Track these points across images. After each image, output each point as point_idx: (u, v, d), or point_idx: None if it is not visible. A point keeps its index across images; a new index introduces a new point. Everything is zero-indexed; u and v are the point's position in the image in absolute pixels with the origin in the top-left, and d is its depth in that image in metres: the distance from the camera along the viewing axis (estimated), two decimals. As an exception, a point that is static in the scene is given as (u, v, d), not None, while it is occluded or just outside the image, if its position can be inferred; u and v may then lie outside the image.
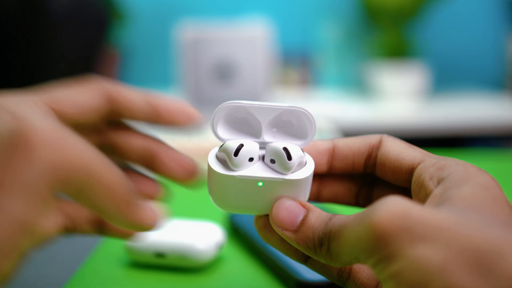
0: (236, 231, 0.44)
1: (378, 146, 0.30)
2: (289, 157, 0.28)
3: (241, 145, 0.28)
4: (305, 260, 0.30)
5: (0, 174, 0.19)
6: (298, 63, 1.79)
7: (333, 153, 0.31)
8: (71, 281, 0.37)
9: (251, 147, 0.29)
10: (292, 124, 0.31)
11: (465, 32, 1.84)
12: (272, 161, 0.29)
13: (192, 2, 1.80)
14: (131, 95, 0.29)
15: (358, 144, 0.31)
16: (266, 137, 0.30)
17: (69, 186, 0.22)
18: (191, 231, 0.39)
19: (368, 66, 1.69)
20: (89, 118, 0.28)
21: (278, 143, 0.29)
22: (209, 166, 0.29)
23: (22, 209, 0.19)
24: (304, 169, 0.29)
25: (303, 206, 0.28)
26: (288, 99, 1.70)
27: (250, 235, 0.42)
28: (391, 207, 0.23)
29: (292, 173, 0.28)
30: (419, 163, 0.28)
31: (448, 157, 0.28)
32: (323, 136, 0.66)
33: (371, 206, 0.24)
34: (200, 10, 1.80)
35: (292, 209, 0.28)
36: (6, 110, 0.21)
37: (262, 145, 0.30)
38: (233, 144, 0.28)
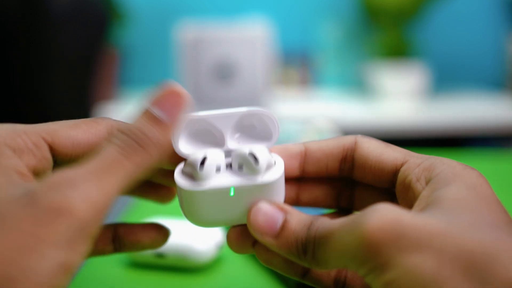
0: (236, 231, 0.44)
1: (353, 148, 0.29)
2: (256, 161, 0.27)
3: (205, 157, 0.27)
4: (302, 276, 0.29)
5: (43, 231, 0.22)
6: (298, 63, 1.79)
7: (305, 157, 0.30)
8: (71, 281, 0.37)
9: (215, 157, 0.28)
10: (254, 127, 0.30)
11: (465, 32, 1.84)
12: (240, 167, 0.28)
13: (192, 2, 1.80)
14: None
15: (331, 147, 0.29)
16: (230, 145, 0.29)
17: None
18: (191, 232, 0.39)
19: (368, 66, 1.69)
20: (87, 155, 0.27)
21: (243, 148, 0.28)
22: (177, 185, 0.28)
23: (64, 255, 0.22)
24: (274, 170, 0.28)
25: (281, 209, 0.27)
26: (288, 99, 1.70)
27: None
28: (382, 216, 0.22)
29: (262, 176, 0.27)
30: (402, 164, 0.27)
31: (433, 156, 0.27)
32: (324, 136, 0.66)
33: (359, 214, 0.23)
34: (200, 10, 1.80)
35: (270, 213, 0.27)
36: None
37: (228, 153, 0.29)
38: (197, 157, 0.27)
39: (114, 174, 0.23)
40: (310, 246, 0.25)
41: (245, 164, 0.27)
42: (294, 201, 0.31)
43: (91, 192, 0.22)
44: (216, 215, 0.28)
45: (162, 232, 0.29)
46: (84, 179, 0.22)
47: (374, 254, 0.22)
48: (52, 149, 0.27)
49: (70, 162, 0.27)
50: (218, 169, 0.28)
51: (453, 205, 0.23)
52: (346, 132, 1.44)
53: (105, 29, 1.25)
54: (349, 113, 1.47)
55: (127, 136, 0.24)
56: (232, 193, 0.27)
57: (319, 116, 1.44)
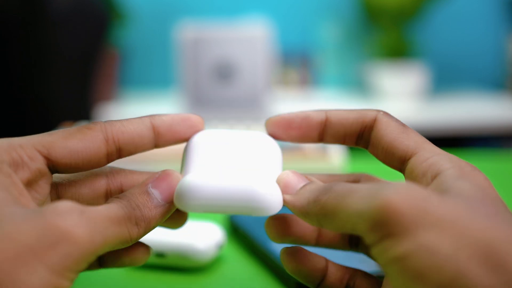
0: (236, 231, 0.44)
1: (372, 126, 0.30)
2: None
3: None
4: (317, 286, 0.30)
5: (42, 249, 0.22)
6: (298, 63, 1.79)
7: (324, 127, 0.31)
8: (71, 281, 0.37)
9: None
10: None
11: (465, 32, 1.84)
12: None
13: (192, 2, 1.80)
14: (132, 128, 0.29)
15: (351, 121, 0.30)
16: None
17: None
18: (191, 231, 0.39)
19: (368, 66, 1.69)
20: (88, 164, 0.28)
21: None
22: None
23: (55, 280, 0.23)
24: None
25: (309, 179, 0.29)
26: (288, 99, 1.70)
27: (250, 235, 0.42)
28: (409, 188, 0.23)
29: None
30: (411, 156, 0.28)
31: (444, 152, 0.28)
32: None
33: (385, 182, 0.24)
34: (200, 10, 1.80)
35: (297, 176, 0.29)
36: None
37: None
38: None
39: (114, 227, 0.25)
40: (323, 194, 0.26)
41: None
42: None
43: (94, 231, 0.24)
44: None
45: (143, 250, 0.30)
46: (94, 217, 0.24)
47: (392, 221, 0.22)
48: (49, 161, 0.27)
49: (70, 171, 0.28)
50: None
51: (467, 197, 0.24)
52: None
53: (105, 29, 1.25)
54: (349, 113, 1.47)
55: (129, 206, 0.26)
56: None
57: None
